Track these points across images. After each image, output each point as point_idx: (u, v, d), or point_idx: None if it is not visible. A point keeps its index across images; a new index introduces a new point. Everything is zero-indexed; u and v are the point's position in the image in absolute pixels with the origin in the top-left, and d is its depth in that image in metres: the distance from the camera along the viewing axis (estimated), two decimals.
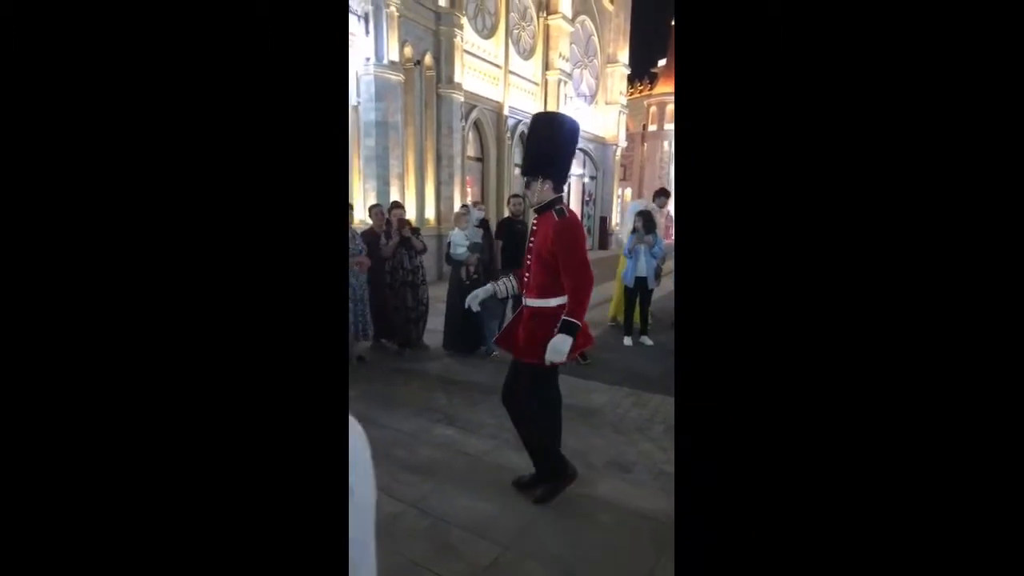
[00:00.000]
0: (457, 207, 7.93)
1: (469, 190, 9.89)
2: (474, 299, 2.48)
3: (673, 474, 1.52)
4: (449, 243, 4.63)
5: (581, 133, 2.27)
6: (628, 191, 22.71)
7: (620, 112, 15.37)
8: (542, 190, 2.17)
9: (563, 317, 2.04)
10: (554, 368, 2.27)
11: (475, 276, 4.47)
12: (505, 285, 2.48)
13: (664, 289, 5.92)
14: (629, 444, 2.89)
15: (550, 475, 2.32)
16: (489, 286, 2.49)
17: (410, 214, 7.23)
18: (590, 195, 15.06)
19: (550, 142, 2.17)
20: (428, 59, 8.40)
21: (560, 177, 2.21)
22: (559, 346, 2.01)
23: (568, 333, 2.02)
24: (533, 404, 2.26)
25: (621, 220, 17.69)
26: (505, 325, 2.40)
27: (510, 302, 4.14)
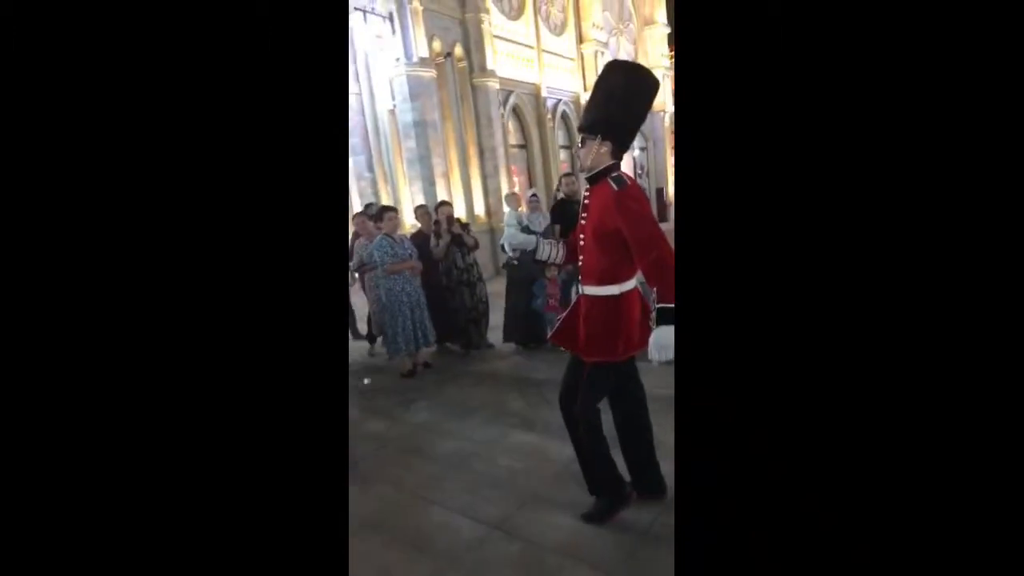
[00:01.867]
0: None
1: (516, 179, 9.62)
2: (511, 240, 2.13)
3: None
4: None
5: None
6: None
7: (664, 75, 14.50)
8: (598, 152, 1.78)
9: (657, 306, 1.68)
10: (630, 359, 1.94)
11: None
12: (550, 247, 2.07)
13: None
14: None
15: (605, 491, 1.99)
16: (532, 238, 2.09)
17: (459, 211, 7.04)
18: (642, 167, 14.38)
19: (620, 96, 1.76)
20: (458, 50, 8.17)
21: (623, 141, 1.82)
22: (663, 340, 1.62)
23: (668, 322, 1.64)
24: (595, 410, 1.91)
25: None
26: (561, 319, 2.04)
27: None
